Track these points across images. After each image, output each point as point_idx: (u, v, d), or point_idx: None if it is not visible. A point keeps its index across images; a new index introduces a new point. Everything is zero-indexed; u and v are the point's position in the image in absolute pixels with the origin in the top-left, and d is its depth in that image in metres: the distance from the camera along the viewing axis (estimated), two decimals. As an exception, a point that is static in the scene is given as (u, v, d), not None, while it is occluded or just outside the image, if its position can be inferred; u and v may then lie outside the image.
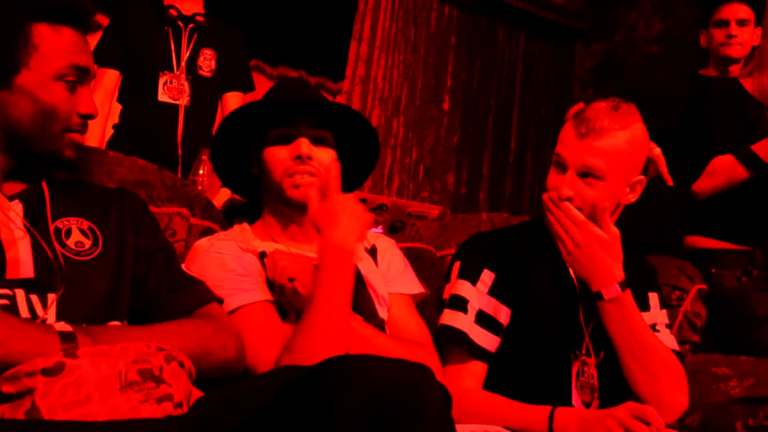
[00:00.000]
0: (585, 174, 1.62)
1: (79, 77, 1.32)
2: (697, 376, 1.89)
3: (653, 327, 1.80)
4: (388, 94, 4.47)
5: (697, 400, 1.86)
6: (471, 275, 1.72)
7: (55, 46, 1.29)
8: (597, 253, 1.60)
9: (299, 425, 0.89)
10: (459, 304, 1.69)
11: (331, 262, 1.46)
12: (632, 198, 1.68)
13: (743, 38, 3.01)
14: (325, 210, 1.51)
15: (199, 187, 2.43)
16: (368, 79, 4.40)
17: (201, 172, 2.52)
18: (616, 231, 1.62)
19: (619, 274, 1.61)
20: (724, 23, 3.05)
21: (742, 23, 3.03)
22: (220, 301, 1.42)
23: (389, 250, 1.81)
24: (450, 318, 1.68)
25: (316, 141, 1.62)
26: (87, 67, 1.33)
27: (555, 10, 5.03)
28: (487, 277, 1.71)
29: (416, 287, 1.77)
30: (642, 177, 1.68)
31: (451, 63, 4.75)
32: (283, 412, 0.92)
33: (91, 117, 1.34)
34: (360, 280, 1.66)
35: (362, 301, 1.63)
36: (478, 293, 1.70)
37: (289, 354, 1.40)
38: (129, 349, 1.07)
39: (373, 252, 1.78)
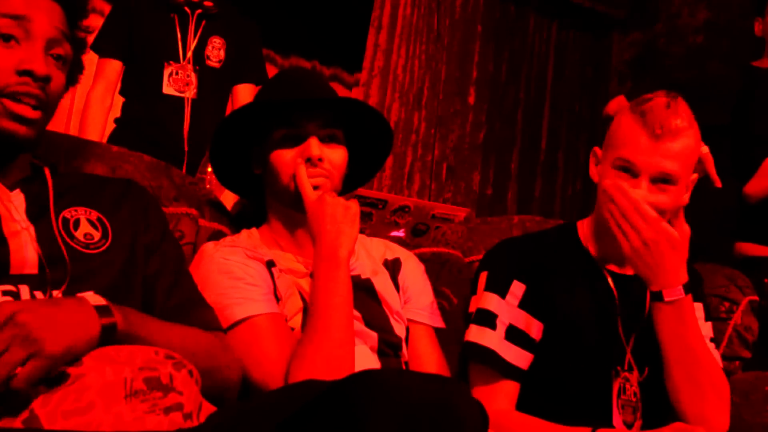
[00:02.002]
0: (661, 180, 1.61)
1: (13, 26, 1.27)
2: (749, 396, 1.88)
3: None
4: (409, 87, 4.48)
5: (749, 421, 1.86)
6: (500, 287, 1.72)
7: None
8: (666, 252, 1.57)
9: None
10: (487, 319, 1.69)
11: (324, 269, 1.51)
12: (686, 199, 1.67)
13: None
14: (318, 214, 1.54)
15: (207, 186, 2.45)
16: (387, 70, 4.42)
17: (209, 169, 2.53)
18: (687, 229, 1.63)
19: (684, 276, 1.60)
20: (777, 9, 3.04)
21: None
22: (225, 332, 1.45)
23: (416, 271, 1.82)
24: (477, 335, 1.69)
25: (326, 139, 1.63)
26: (21, 14, 1.26)
27: (591, -5, 5.05)
28: (517, 288, 1.71)
29: (441, 322, 1.78)
30: (695, 175, 1.68)
31: (477, 53, 4.75)
32: (309, 426, 0.92)
33: (34, 75, 1.25)
34: (374, 295, 1.68)
35: (376, 318, 1.65)
36: (507, 306, 1.70)
37: (297, 362, 1.43)
38: (136, 355, 1.07)
39: (395, 265, 1.78)
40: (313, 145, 1.59)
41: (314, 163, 1.59)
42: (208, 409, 1.16)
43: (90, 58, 1.67)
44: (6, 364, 0.99)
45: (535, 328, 1.70)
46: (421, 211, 2.87)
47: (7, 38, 1.26)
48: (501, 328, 1.68)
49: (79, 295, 1.18)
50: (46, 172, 1.38)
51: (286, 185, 1.62)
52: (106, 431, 1.00)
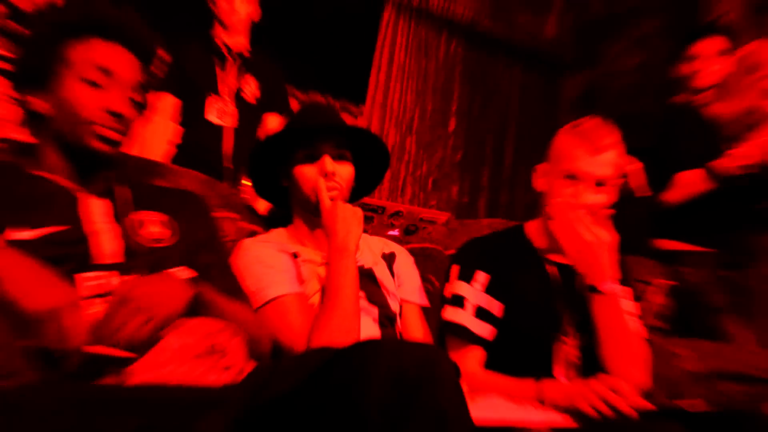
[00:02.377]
0: (598, 183, 1.66)
1: (102, 78, 1.31)
2: (662, 355, 1.90)
3: None
4: (402, 117, 4.48)
5: (661, 374, 1.87)
6: (467, 276, 1.74)
7: (80, 54, 1.30)
8: (601, 254, 1.62)
9: (337, 393, 0.92)
10: (458, 301, 1.72)
11: (336, 259, 1.52)
12: (614, 199, 1.71)
13: (711, 70, 3.01)
14: (330, 216, 1.57)
15: (243, 195, 2.45)
16: (385, 103, 4.42)
17: (245, 182, 2.52)
18: (616, 235, 1.65)
19: (614, 273, 1.64)
20: (695, 57, 3.05)
21: (710, 58, 3.03)
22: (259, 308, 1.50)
23: (407, 263, 1.84)
24: (452, 314, 1.71)
25: (338, 158, 1.65)
26: (107, 68, 1.31)
27: (546, 45, 5.04)
28: (481, 277, 1.73)
29: (426, 302, 1.81)
30: (620, 180, 1.72)
31: (456, 91, 4.77)
32: (324, 382, 0.94)
33: (116, 114, 1.30)
34: (374, 280, 1.71)
35: (375, 297, 1.67)
36: (474, 291, 1.72)
37: (316, 332, 1.45)
38: (203, 326, 1.11)
39: (391, 258, 1.81)
40: (327, 162, 1.62)
41: (328, 177, 1.61)
42: (251, 367, 1.18)
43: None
44: (130, 329, 1.05)
45: (496, 308, 1.72)
46: (412, 215, 2.88)
47: (96, 85, 1.30)
48: (470, 308, 1.71)
49: (169, 271, 1.22)
50: (126, 185, 1.41)
51: (307, 195, 1.64)
52: (179, 382, 1.05)
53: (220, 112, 2.82)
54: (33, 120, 1.36)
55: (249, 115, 2.91)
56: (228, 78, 2.84)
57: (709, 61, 2.98)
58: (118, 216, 1.32)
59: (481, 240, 1.89)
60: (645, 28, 4.63)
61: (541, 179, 1.79)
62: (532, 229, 1.85)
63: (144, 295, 1.07)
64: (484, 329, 1.70)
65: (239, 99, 2.87)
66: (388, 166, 1.83)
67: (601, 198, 1.67)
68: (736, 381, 1.83)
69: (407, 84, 4.51)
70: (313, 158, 1.63)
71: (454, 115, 4.75)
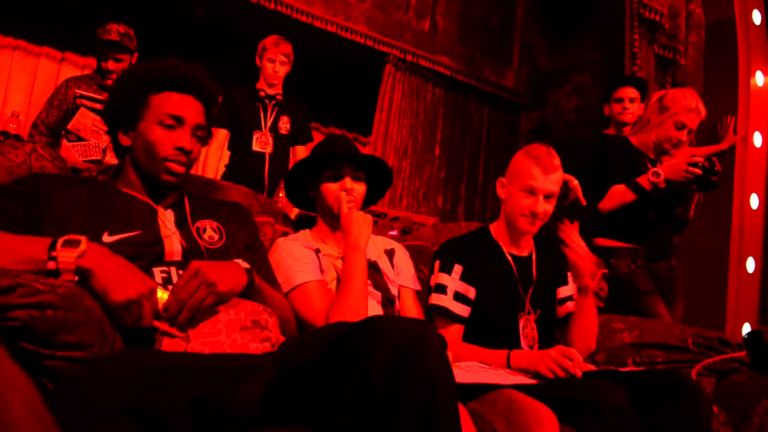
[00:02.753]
0: (547, 197, 1.67)
1: (174, 122, 1.29)
2: (602, 329, 1.88)
3: (571, 297, 1.81)
4: (399, 145, 4.45)
5: (602, 344, 1.85)
6: (447, 268, 1.72)
7: (159, 104, 1.29)
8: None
9: (349, 359, 0.89)
10: (441, 289, 1.70)
11: (350, 254, 1.51)
12: (553, 209, 1.74)
13: (632, 110, 3.03)
14: (347, 220, 1.55)
15: (279, 205, 2.45)
16: (386, 134, 4.39)
17: (281, 195, 2.54)
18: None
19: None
20: (620, 100, 3.06)
21: (632, 100, 3.05)
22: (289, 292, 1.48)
23: (404, 256, 1.81)
24: (436, 299, 1.69)
25: (355, 178, 1.63)
26: (179, 115, 1.29)
27: (507, 90, 5.02)
28: (457, 268, 1.71)
29: (419, 287, 1.78)
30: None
31: (440, 125, 4.73)
32: (339, 350, 0.92)
33: (184, 150, 1.29)
34: (378, 270, 1.68)
35: (379, 283, 1.64)
36: (453, 280, 1.69)
37: (333, 311, 1.43)
38: (247, 306, 1.08)
39: (391, 253, 1.78)
40: (348, 181, 1.61)
41: (349, 192, 1.60)
42: (282, 340, 1.16)
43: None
44: (198, 298, 1.03)
45: (471, 292, 1.70)
46: (407, 220, 2.86)
47: (170, 127, 1.29)
48: (450, 294, 1.68)
49: (234, 260, 1.19)
50: (186, 198, 1.39)
51: (330, 205, 1.62)
52: (228, 350, 1.02)
53: (262, 143, 2.88)
54: (119, 150, 1.36)
55: (282, 144, 2.96)
56: (267, 117, 2.90)
57: (629, 104, 2.99)
58: (182, 224, 1.32)
59: (456, 239, 1.87)
60: (581, 79, 4.65)
61: (500, 189, 1.78)
62: (495, 229, 1.83)
63: (211, 272, 1.05)
64: (462, 310, 1.68)
65: (275, 131, 2.92)
66: (390, 184, 1.82)
67: (549, 207, 1.68)
68: (658, 349, 1.80)
69: (403, 120, 4.48)
70: (336, 177, 1.62)
71: (438, 143, 4.71)
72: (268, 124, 2.91)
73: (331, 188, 1.62)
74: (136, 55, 2.80)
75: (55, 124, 2.77)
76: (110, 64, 2.74)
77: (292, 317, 1.35)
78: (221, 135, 2.89)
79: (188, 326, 1.02)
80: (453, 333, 1.66)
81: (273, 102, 2.93)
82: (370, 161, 1.70)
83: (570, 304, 1.80)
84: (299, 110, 3.05)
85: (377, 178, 1.76)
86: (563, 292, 1.82)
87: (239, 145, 2.91)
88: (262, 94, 2.92)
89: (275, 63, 2.90)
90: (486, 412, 1.28)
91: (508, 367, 1.52)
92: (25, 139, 2.87)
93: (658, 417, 1.33)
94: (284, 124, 2.96)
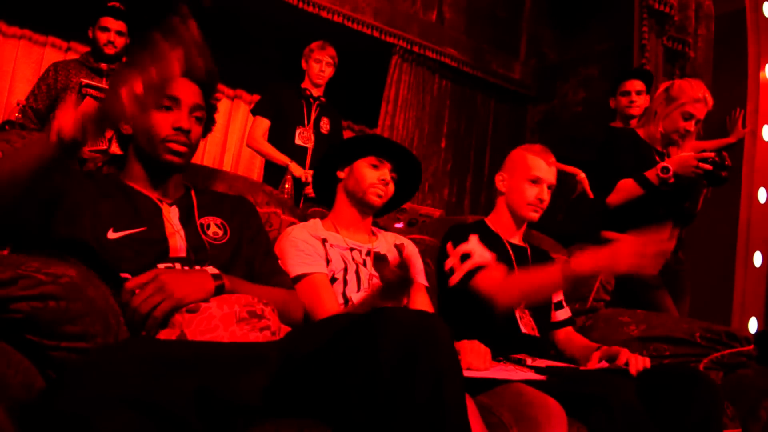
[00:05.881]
0: (549, 187, 1.79)
1: (171, 102, 1.28)
2: (609, 322, 1.87)
3: (561, 303, 1.87)
4: (406, 137, 4.42)
5: (609, 337, 1.84)
6: (463, 239, 1.74)
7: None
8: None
9: (355, 351, 0.88)
10: (465, 257, 1.69)
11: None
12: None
13: (639, 103, 3.00)
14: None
15: (286, 196, 2.45)
16: (393, 126, 4.37)
17: (287, 186, 2.57)
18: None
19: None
20: (627, 93, 3.03)
21: (639, 93, 3.02)
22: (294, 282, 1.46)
23: (413, 251, 1.79)
24: (468, 264, 1.68)
25: (391, 178, 1.66)
26: (176, 96, 1.28)
27: (514, 83, 4.97)
28: (474, 237, 1.75)
29: (426, 283, 1.77)
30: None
31: (446, 117, 4.70)
32: (344, 341, 0.90)
33: (182, 129, 1.28)
34: (388, 263, 1.66)
35: None
36: (473, 243, 1.73)
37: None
38: (241, 299, 1.07)
39: (401, 246, 1.77)
40: (387, 173, 1.65)
41: (386, 183, 1.63)
42: (285, 330, 1.15)
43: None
44: (149, 303, 1.01)
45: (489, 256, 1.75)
46: (413, 211, 2.85)
47: (168, 108, 1.28)
48: (478, 250, 1.72)
49: (204, 267, 1.19)
50: (192, 193, 1.38)
51: (362, 189, 1.64)
52: (226, 341, 1.01)
53: (304, 138, 3.03)
54: (122, 140, 1.36)
55: (321, 142, 3.09)
56: (311, 115, 3.08)
57: (635, 96, 2.96)
58: (187, 220, 1.31)
59: (462, 223, 1.93)
60: (588, 72, 4.60)
61: (501, 183, 1.86)
62: (492, 221, 1.88)
63: (169, 281, 1.03)
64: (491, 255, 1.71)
65: (317, 129, 3.08)
66: (408, 200, 1.83)
67: (549, 197, 1.80)
68: (665, 342, 1.79)
69: (409, 112, 4.45)
70: (377, 166, 1.64)
71: (444, 135, 4.69)
72: (311, 121, 3.05)
73: (368, 173, 1.63)
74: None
75: (45, 109, 2.79)
76: (111, 35, 2.81)
77: (292, 308, 1.33)
78: (264, 124, 3.03)
79: (144, 330, 1.01)
80: (499, 272, 1.65)
81: (317, 102, 3.08)
82: (412, 171, 1.72)
83: (560, 313, 1.85)
84: (337, 116, 3.20)
85: (401, 191, 1.76)
86: (554, 297, 1.87)
87: (281, 138, 3.01)
88: (308, 93, 3.07)
89: (321, 63, 3.04)
90: (494, 405, 1.26)
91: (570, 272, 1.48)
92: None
93: (671, 411, 1.31)
94: (325, 125, 3.10)
